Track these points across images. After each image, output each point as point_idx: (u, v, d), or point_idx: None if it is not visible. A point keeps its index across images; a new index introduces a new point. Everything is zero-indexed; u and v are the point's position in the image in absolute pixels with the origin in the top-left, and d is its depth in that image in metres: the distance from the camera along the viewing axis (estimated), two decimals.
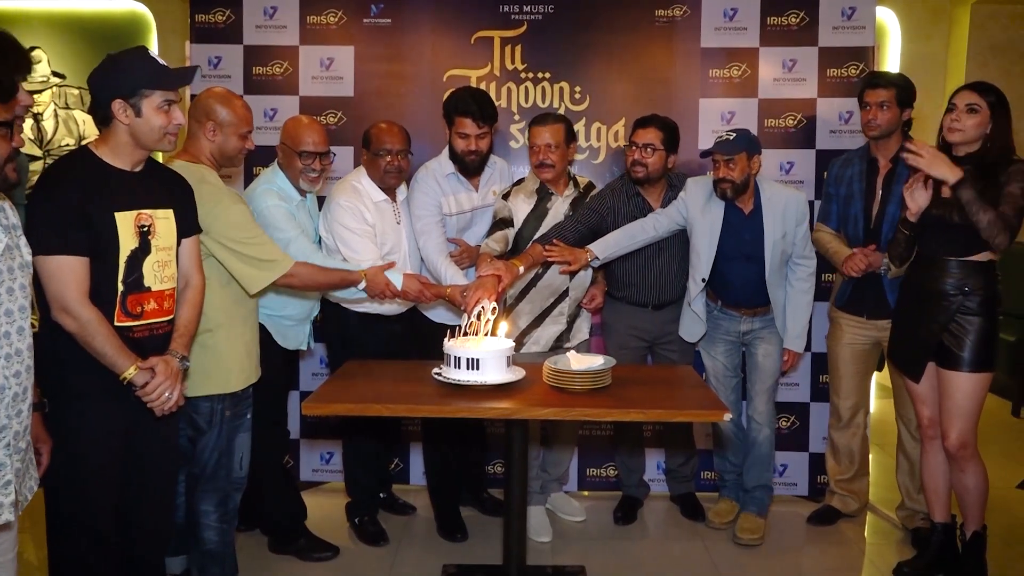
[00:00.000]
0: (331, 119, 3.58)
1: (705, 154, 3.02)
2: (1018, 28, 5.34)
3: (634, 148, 3.11)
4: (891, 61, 5.53)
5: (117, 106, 2.04)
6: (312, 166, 2.84)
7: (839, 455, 3.39)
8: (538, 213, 3.13)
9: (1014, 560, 3.02)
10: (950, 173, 2.55)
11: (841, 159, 3.28)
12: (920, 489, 3.16)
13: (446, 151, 3.16)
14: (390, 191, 3.07)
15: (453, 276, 3.01)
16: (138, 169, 2.13)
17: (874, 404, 3.74)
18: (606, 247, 3.06)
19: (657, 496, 3.64)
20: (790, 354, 3.17)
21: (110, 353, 2.02)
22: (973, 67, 5.24)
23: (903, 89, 3.08)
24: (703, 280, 3.11)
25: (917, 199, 2.67)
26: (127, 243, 2.07)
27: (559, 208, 3.15)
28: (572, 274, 3.12)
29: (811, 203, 3.50)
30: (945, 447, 2.76)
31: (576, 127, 3.55)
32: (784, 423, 3.61)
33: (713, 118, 3.57)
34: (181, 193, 2.26)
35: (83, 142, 2.19)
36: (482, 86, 3.55)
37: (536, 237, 3.09)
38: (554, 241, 2.99)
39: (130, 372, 2.03)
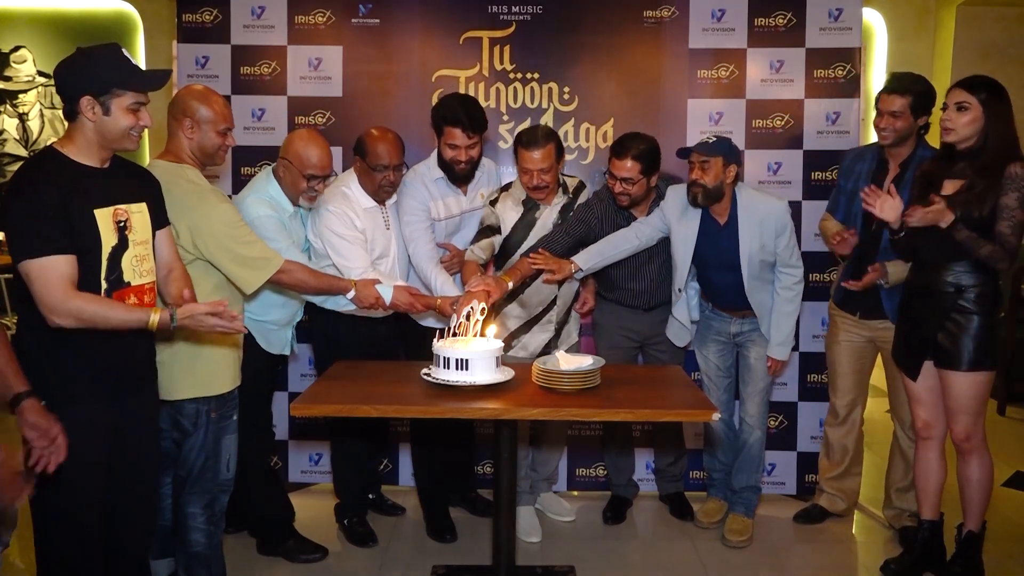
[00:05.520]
0: (319, 119, 3.57)
1: (681, 153, 2.98)
2: (1003, 29, 5.38)
3: (614, 180, 3.04)
4: (877, 62, 5.56)
5: (85, 102, 2.00)
6: (315, 187, 2.81)
7: (832, 451, 3.39)
8: (526, 222, 3.12)
9: (1003, 559, 3.04)
10: (942, 219, 2.58)
11: (855, 152, 3.24)
12: (909, 488, 3.19)
13: (434, 155, 3.14)
14: (380, 201, 3.05)
15: (443, 285, 3.00)
16: (107, 165, 2.11)
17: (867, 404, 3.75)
18: (589, 258, 3.05)
19: (646, 496, 3.65)
20: (773, 362, 3.15)
21: (124, 317, 1.99)
22: (959, 68, 5.28)
23: (919, 96, 2.98)
24: (679, 291, 3.12)
25: (887, 212, 2.67)
26: (108, 239, 2.05)
27: (548, 216, 3.13)
28: (558, 283, 3.11)
29: (799, 204, 3.51)
30: (953, 441, 2.78)
31: (565, 128, 3.57)
32: (772, 423, 3.62)
33: (701, 119, 3.58)
34: (150, 185, 2.25)
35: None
36: (471, 86, 3.55)
37: (525, 249, 3.08)
38: (539, 250, 2.97)
39: (153, 320, 2.00)
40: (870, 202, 2.68)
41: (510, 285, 2.91)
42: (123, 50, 2.07)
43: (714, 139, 2.94)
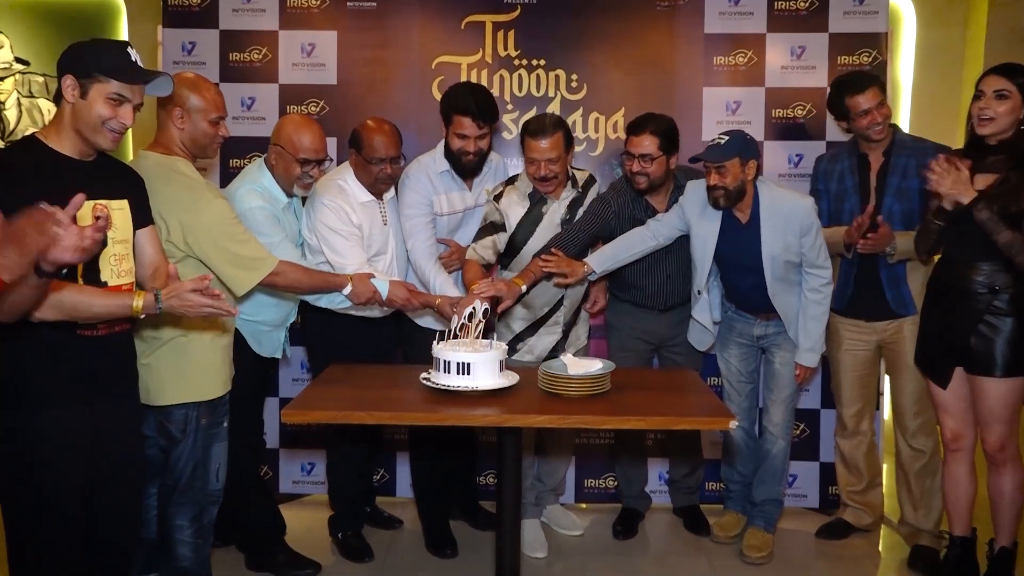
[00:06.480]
0: (313, 108, 3.58)
1: (694, 160, 2.96)
2: None
3: (631, 159, 3.06)
4: (906, 48, 5.54)
5: (67, 81, 2.03)
6: (310, 173, 2.81)
7: (848, 465, 3.40)
8: (533, 217, 3.11)
9: None
10: (965, 194, 2.56)
11: (828, 155, 3.30)
12: (919, 505, 3.20)
13: (440, 146, 3.13)
14: (378, 195, 3.06)
15: (442, 284, 3.00)
16: (89, 159, 2.12)
17: (888, 411, 3.75)
18: (603, 260, 3.04)
19: (659, 508, 3.64)
20: (802, 368, 3.10)
21: (106, 303, 2.00)
22: (992, 54, 5.24)
23: (882, 81, 3.14)
24: (699, 292, 3.12)
25: (958, 187, 2.58)
26: None
27: (556, 211, 3.13)
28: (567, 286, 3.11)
29: None
30: (984, 450, 2.78)
31: (573, 117, 3.56)
32: (793, 431, 3.60)
33: (718, 108, 3.58)
34: (133, 183, 2.26)
35: None
36: (473, 74, 3.55)
37: (532, 246, 3.08)
38: (552, 251, 2.96)
39: (138, 304, 2.01)
40: (936, 174, 2.59)
41: (523, 288, 2.90)
42: (130, 47, 2.09)
43: (725, 139, 2.88)
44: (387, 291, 2.81)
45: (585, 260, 3.02)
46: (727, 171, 2.87)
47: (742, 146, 2.88)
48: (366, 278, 2.80)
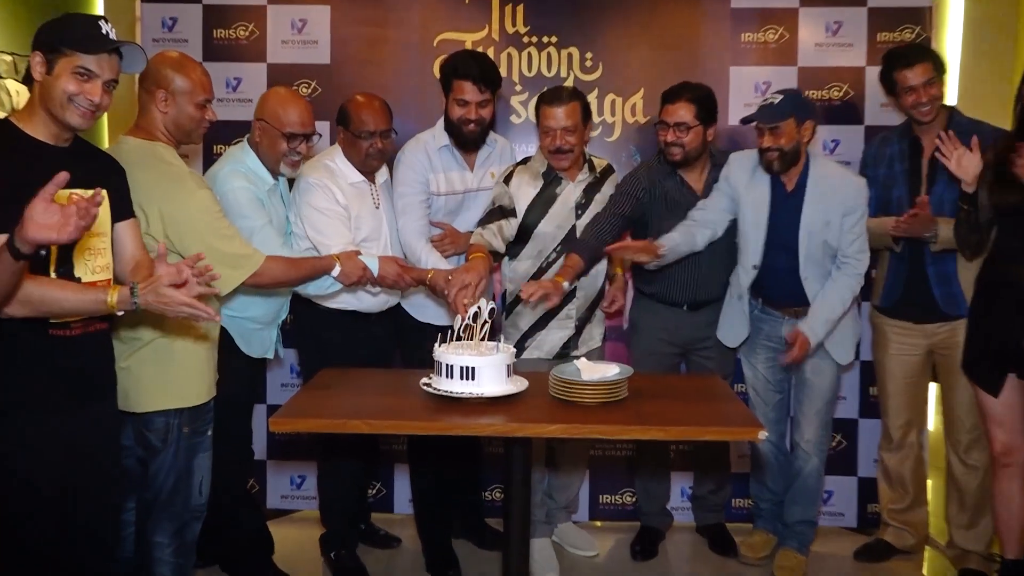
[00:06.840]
0: (304, 90, 3.58)
1: (746, 120, 2.97)
2: None
3: (665, 128, 3.08)
4: (952, 23, 5.51)
5: (35, 58, 2.05)
6: (298, 149, 2.83)
7: (892, 479, 3.37)
8: (545, 199, 3.11)
9: None
10: (966, 177, 2.63)
11: (879, 138, 3.29)
12: (971, 525, 3.16)
13: (441, 122, 3.15)
14: (369, 173, 3.06)
15: (435, 263, 3.01)
16: (66, 145, 2.12)
17: (932, 422, 3.73)
18: (667, 241, 2.99)
19: (681, 527, 3.63)
20: (798, 337, 2.94)
21: (80, 298, 2.01)
22: None
23: (939, 58, 3.12)
24: (755, 267, 3.07)
25: (966, 166, 2.67)
26: None
27: (570, 195, 3.12)
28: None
29: None
30: None
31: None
32: (830, 443, 3.57)
33: (746, 89, 3.57)
34: (113, 173, 2.26)
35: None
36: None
37: (543, 231, 3.09)
38: (605, 250, 2.95)
39: (112, 298, 2.00)
40: (946, 152, 2.70)
41: (566, 286, 2.90)
42: (103, 20, 2.08)
43: (779, 98, 2.90)
44: (377, 268, 2.82)
45: (657, 241, 2.97)
46: (782, 132, 2.90)
47: (797, 105, 2.91)
48: (354, 255, 2.81)
